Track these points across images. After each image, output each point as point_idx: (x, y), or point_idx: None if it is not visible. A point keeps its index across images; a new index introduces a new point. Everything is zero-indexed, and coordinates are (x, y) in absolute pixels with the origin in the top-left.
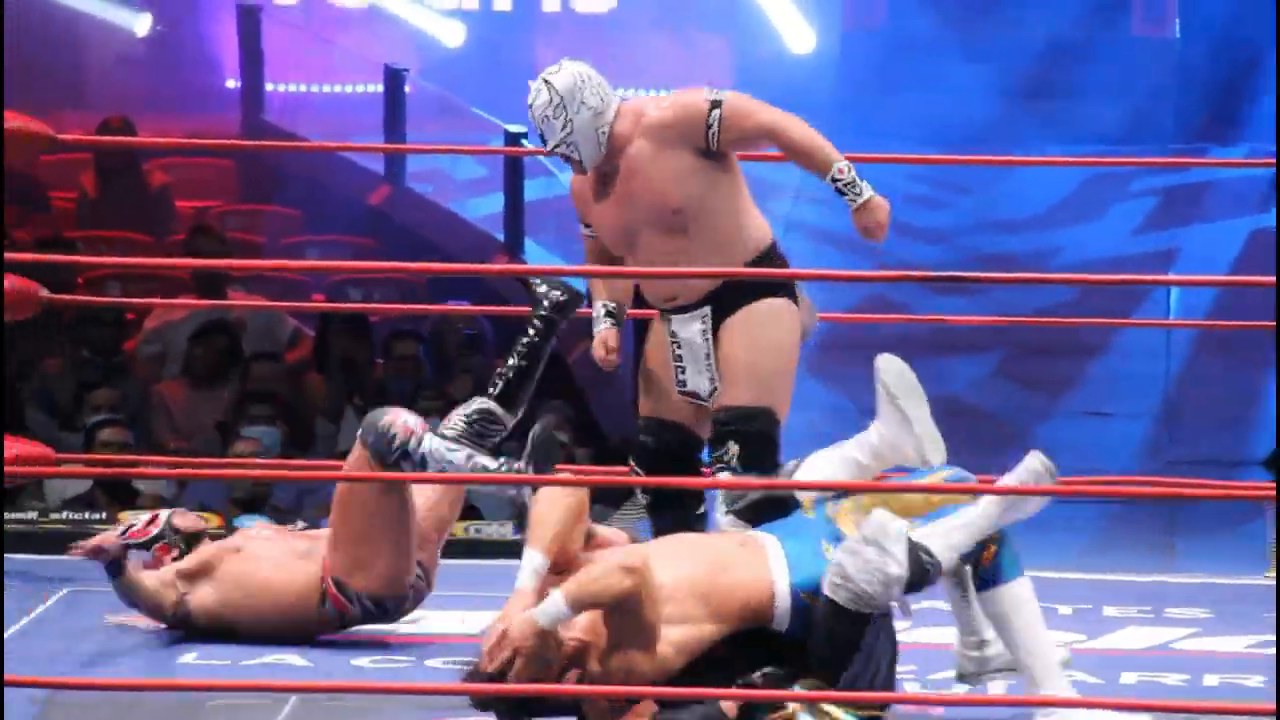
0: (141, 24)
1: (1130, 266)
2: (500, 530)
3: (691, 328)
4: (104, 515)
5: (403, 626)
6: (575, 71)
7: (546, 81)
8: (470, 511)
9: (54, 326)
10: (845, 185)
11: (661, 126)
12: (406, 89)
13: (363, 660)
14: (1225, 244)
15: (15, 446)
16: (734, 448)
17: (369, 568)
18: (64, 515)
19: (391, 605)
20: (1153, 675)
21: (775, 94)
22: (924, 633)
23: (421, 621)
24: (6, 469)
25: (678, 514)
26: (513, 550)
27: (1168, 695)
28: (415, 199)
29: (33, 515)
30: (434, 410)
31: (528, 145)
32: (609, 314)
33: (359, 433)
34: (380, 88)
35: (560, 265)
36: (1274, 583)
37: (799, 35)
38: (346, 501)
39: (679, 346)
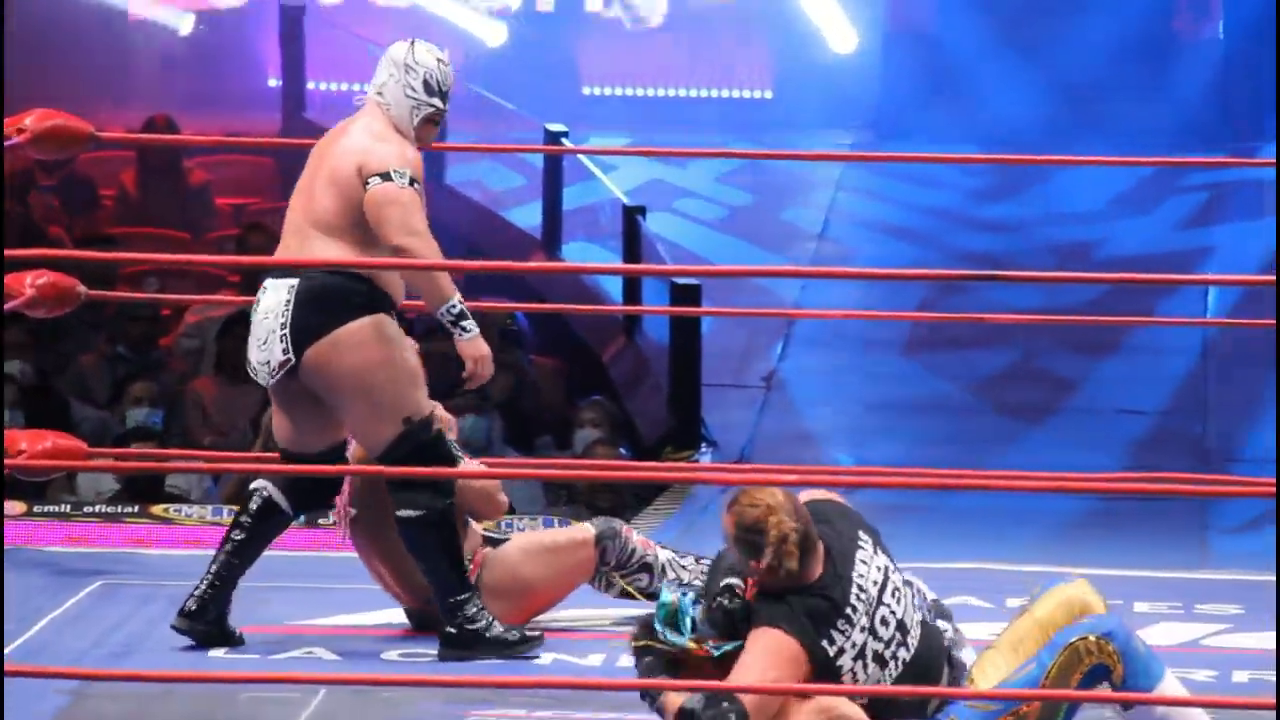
0: (185, 23)
1: (1169, 261)
2: (532, 525)
3: None
4: (136, 509)
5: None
6: None
7: None
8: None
9: (92, 322)
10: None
11: None
12: None
13: (392, 653)
14: (1261, 241)
15: (48, 439)
16: None
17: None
18: (96, 509)
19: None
20: (1183, 671)
21: (818, 95)
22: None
23: None
24: (39, 462)
25: None
26: None
27: (1197, 691)
28: (454, 197)
29: (65, 508)
30: (468, 407)
31: (567, 144)
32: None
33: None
34: None
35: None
36: None
37: (841, 36)
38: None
39: None
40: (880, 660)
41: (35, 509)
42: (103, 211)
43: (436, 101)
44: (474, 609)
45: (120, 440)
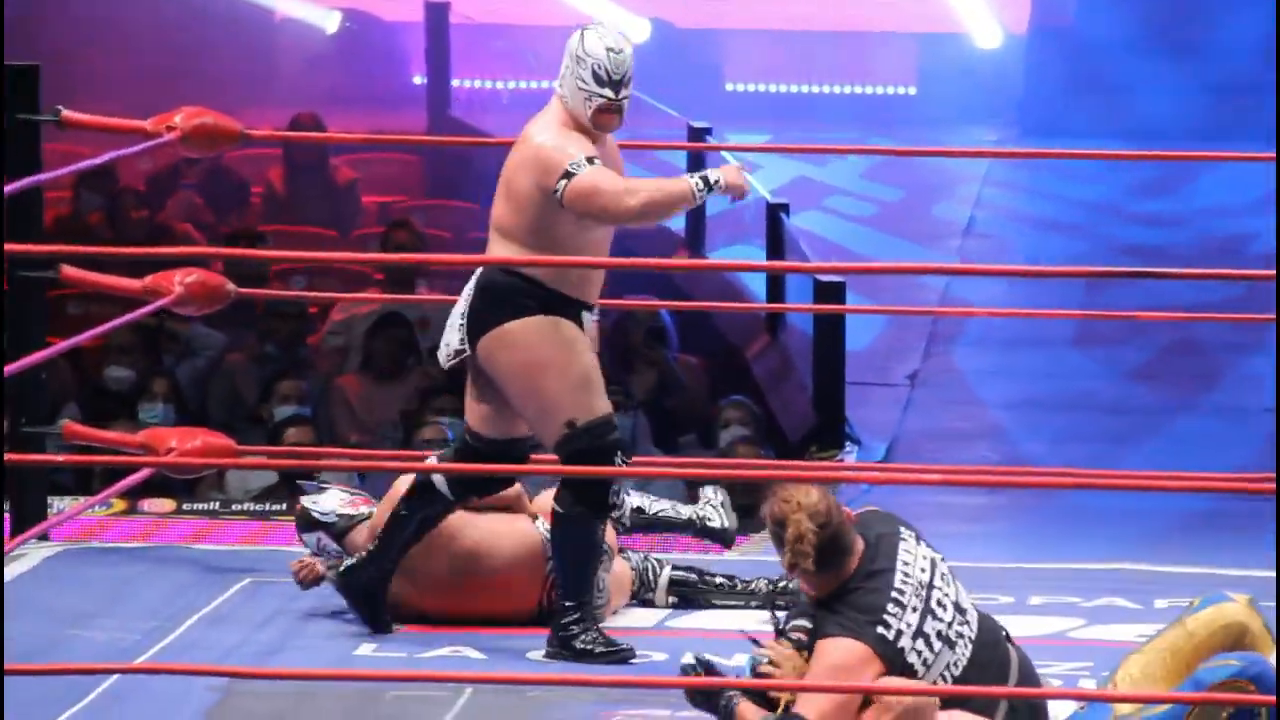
0: (331, 21)
1: None
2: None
3: (593, 328)
4: (284, 507)
5: None
6: None
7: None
8: None
9: (241, 320)
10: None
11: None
12: None
13: (537, 653)
14: None
15: (199, 437)
16: None
17: None
18: (245, 507)
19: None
20: None
21: (962, 91)
22: (1101, 630)
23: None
24: (190, 460)
25: None
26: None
27: None
28: None
29: (214, 506)
30: (615, 405)
31: (711, 141)
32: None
33: None
34: None
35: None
36: None
37: (985, 31)
38: None
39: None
40: (947, 640)
41: (184, 507)
42: (250, 209)
43: (607, 92)
44: (579, 627)
45: (274, 431)
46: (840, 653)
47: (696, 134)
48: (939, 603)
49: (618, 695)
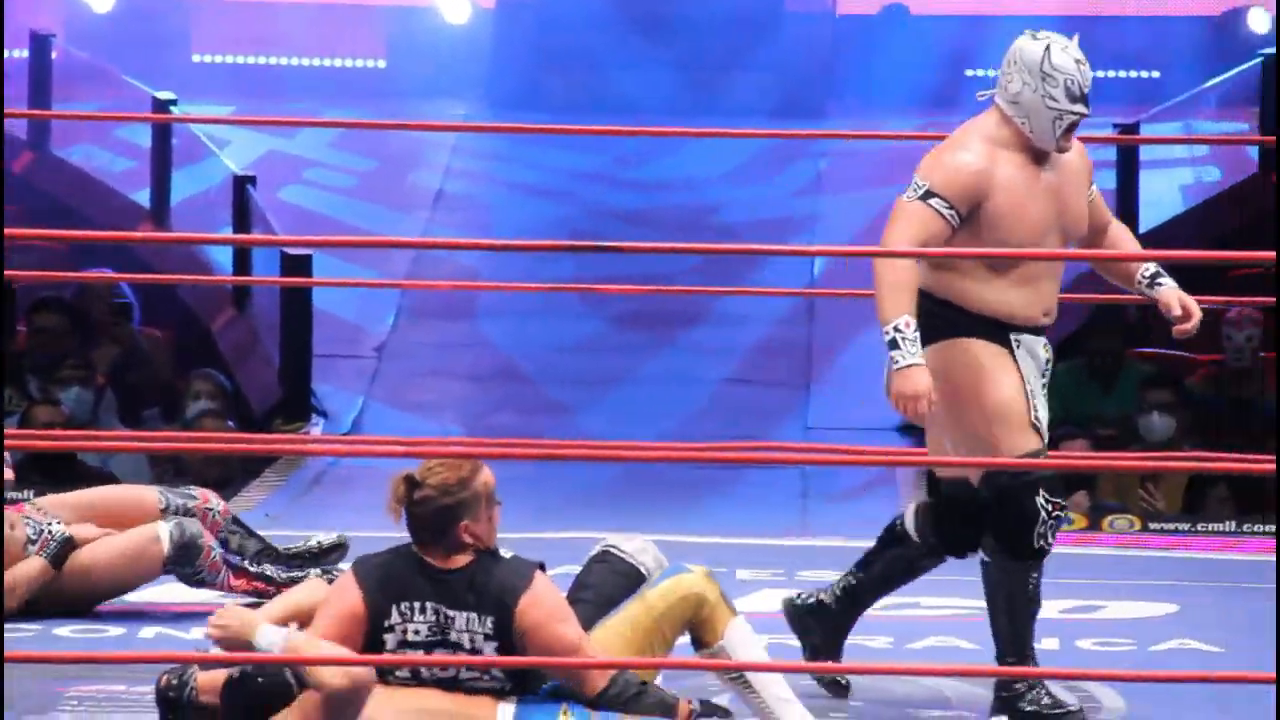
0: None
1: (780, 226)
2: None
3: (1043, 353)
4: None
5: None
6: None
7: None
8: None
9: None
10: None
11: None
12: (53, 55)
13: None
14: (862, 210)
15: None
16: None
17: None
18: None
19: None
20: (781, 638)
21: (431, 65)
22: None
23: None
24: None
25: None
26: None
27: (798, 658)
28: (59, 166)
29: None
30: (74, 379)
31: (175, 113)
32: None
33: None
34: (25, 53)
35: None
36: None
37: (454, 6)
38: None
39: (1036, 373)
40: (419, 677)
41: None
42: None
43: (1079, 108)
44: (1023, 684)
45: None
46: (340, 584)
47: (161, 105)
48: (432, 653)
49: (74, 671)
